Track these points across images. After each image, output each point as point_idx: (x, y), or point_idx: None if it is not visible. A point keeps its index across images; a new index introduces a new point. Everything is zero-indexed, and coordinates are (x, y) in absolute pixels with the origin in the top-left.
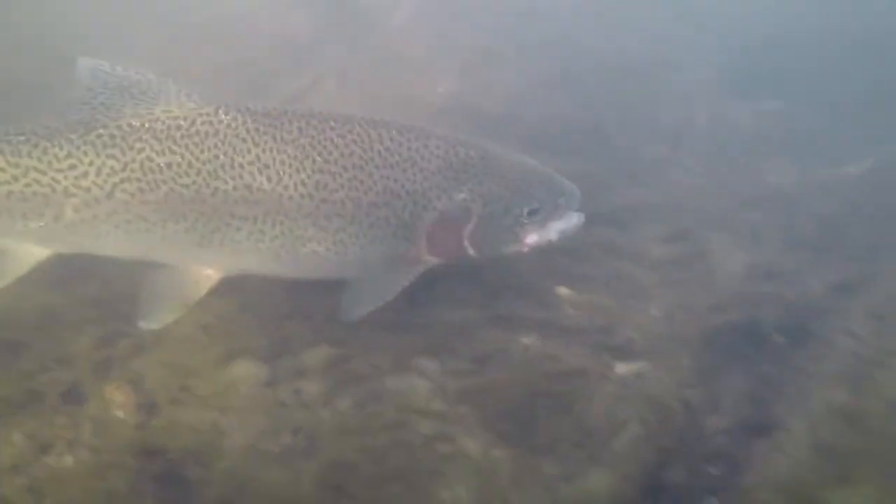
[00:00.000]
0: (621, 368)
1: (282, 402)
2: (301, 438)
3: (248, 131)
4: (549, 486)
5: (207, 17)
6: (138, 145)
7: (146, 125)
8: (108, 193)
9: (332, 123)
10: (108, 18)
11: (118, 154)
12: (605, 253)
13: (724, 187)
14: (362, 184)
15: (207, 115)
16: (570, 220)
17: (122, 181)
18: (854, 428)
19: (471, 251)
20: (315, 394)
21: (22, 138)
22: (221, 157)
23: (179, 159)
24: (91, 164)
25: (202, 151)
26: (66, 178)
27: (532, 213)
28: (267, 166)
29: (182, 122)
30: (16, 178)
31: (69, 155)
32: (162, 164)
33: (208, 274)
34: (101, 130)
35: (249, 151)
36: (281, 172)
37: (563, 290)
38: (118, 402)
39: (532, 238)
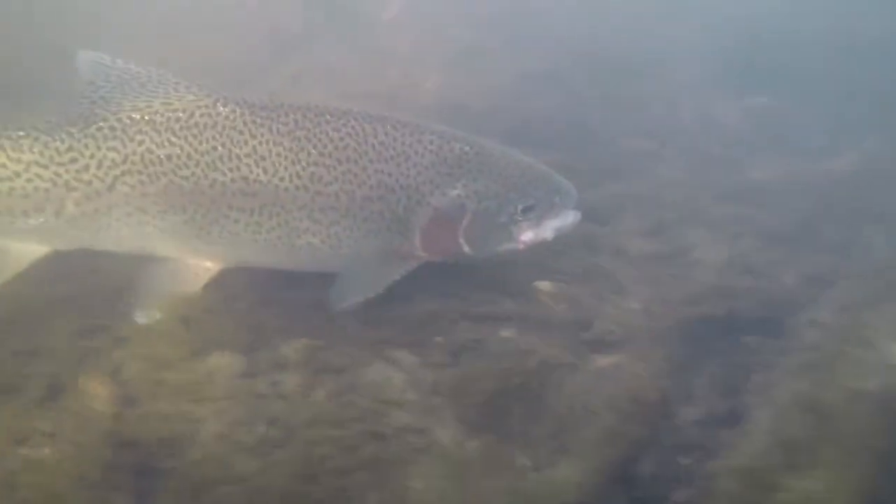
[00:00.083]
0: (596, 360)
1: (258, 394)
2: (276, 429)
3: (245, 123)
4: (519, 475)
5: (195, 10)
6: (138, 138)
7: (146, 118)
8: (109, 186)
9: (328, 117)
10: (98, 10)
11: (119, 146)
12: (584, 247)
13: (706, 182)
14: (356, 177)
15: (206, 107)
16: (566, 218)
17: (122, 174)
18: (814, 416)
19: (466, 248)
20: (292, 385)
21: (22, 133)
22: (219, 148)
23: (178, 151)
24: (92, 157)
25: (200, 143)
26: (67, 171)
27: (527, 210)
28: (263, 158)
29: (181, 115)
30: (17, 175)
31: (70, 148)
32: (161, 156)
33: (207, 266)
34: (101, 123)
35: (246, 143)
36: (277, 164)
37: (541, 284)
38: (96, 394)
39: (527, 235)
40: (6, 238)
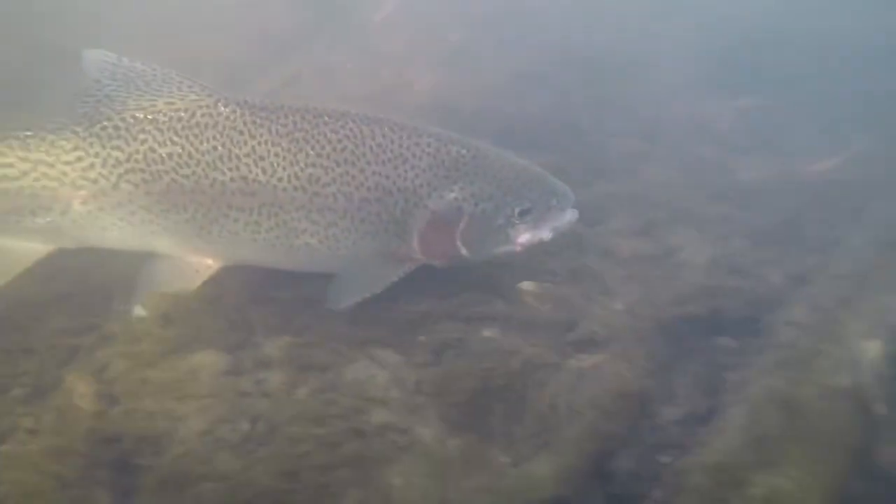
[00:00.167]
0: (579, 360)
1: (241, 391)
2: (258, 426)
3: (245, 124)
4: (498, 472)
5: (192, 10)
6: (141, 136)
7: (149, 117)
8: (114, 184)
9: (326, 118)
10: (97, 10)
11: (122, 145)
12: (573, 248)
13: (695, 183)
14: (354, 179)
15: (207, 107)
16: (563, 219)
17: (126, 172)
18: (786, 413)
19: (463, 251)
20: (275, 383)
21: (28, 133)
22: (219, 148)
23: (180, 150)
24: (97, 155)
25: (201, 143)
26: (73, 170)
27: (524, 213)
28: (262, 158)
29: (183, 114)
30: (25, 174)
31: (76, 147)
32: (163, 155)
33: (208, 263)
34: (105, 122)
35: (246, 143)
36: (275, 165)
37: (526, 284)
38: (79, 391)
39: (524, 238)
40: (13, 237)
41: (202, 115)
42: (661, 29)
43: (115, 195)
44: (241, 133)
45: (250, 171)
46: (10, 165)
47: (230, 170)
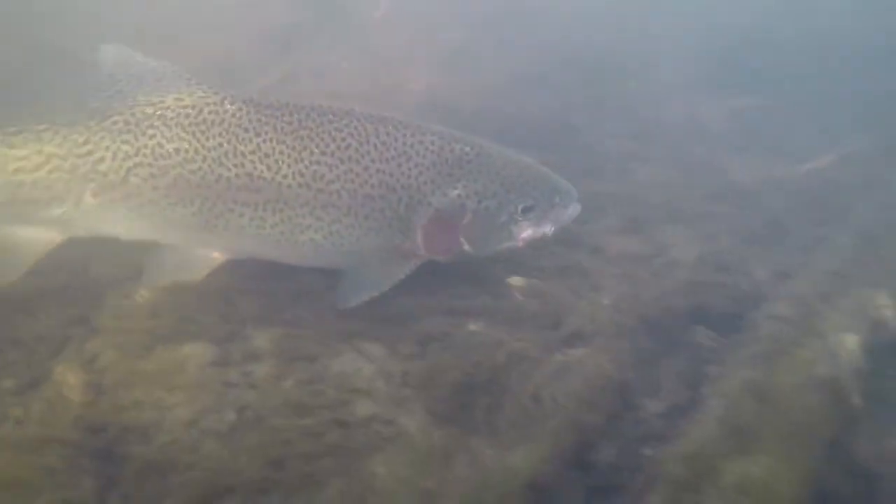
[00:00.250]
0: (563, 354)
1: (229, 382)
2: (244, 416)
3: (250, 121)
4: (479, 463)
5: (189, 9)
6: (150, 132)
7: (157, 113)
8: (123, 178)
9: (331, 116)
10: (96, 9)
11: (132, 140)
12: (563, 245)
13: (687, 183)
14: (358, 176)
15: (214, 104)
16: (566, 215)
17: (135, 166)
18: (762, 404)
19: (466, 247)
20: (263, 374)
21: (43, 126)
22: (225, 145)
23: (187, 146)
24: (107, 149)
25: (208, 139)
26: (84, 163)
27: (527, 210)
28: (267, 155)
29: (190, 111)
30: (40, 166)
31: (87, 141)
32: (171, 150)
33: (214, 256)
34: (116, 117)
35: (251, 141)
36: (280, 162)
37: (514, 280)
38: (68, 382)
39: (527, 234)
40: (30, 226)
41: (209, 112)
42: (661, 30)
43: (124, 188)
44: (247, 130)
45: (255, 168)
46: (26, 158)
47: (235, 166)
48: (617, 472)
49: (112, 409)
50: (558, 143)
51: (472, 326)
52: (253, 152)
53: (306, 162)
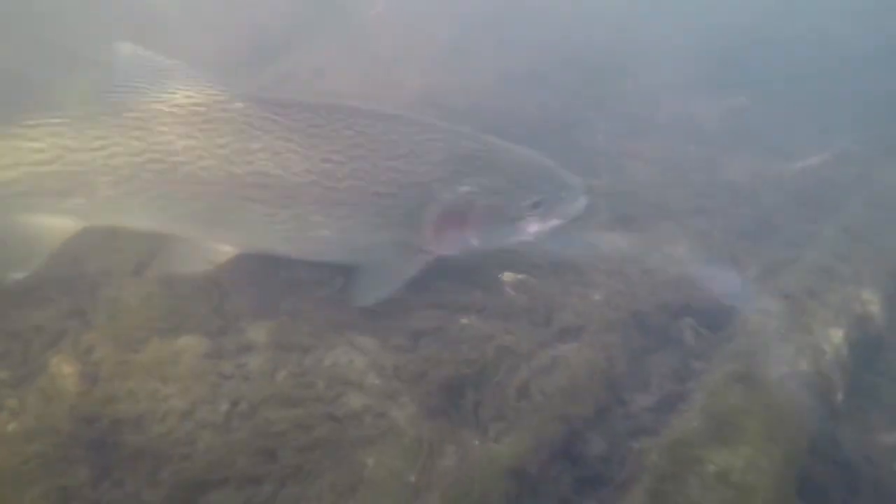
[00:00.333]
0: (553, 348)
1: (223, 374)
2: (238, 408)
3: (260, 120)
4: (466, 454)
5: (185, 7)
6: (162, 129)
7: (169, 110)
8: (135, 172)
9: (340, 114)
10: (91, 8)
11: (144, 136)
12: (555, 241)
13: (682, 180)
14: (367, 173)
15: (224, 102)
16: (574, 208)
17: (147, 161)
18: (746, 397)
19: (475, 242)
20: (256, 366)
21: (59, 120)
22: (235, 143)
23: (197, 143)
24: (119, 144)
25: (218, 137)
26: (98, 156)
27: (535, 205)
28: (277, 153)
29: (201, 109)
30: (57, 158)
31: (102, 136)
32: (182, 147)
33: (224, 250)
34: (129, 114)
35: (260, 139)
36: (290, 160)
37: (507, 276)
38: (64, 373)
39: (534, 228)
40: (49, 215)
41: (219, 111)
42: (660, 29)
43: (136, 182)
44: (256, 128)
45: (265, 165)
46: (43, 151)
47: (245, 163)
48: (605, 465)
49: (107, 400)
50: (555, 142)
51: (464, 321)
52: (263, 150)
53: (316, 160)
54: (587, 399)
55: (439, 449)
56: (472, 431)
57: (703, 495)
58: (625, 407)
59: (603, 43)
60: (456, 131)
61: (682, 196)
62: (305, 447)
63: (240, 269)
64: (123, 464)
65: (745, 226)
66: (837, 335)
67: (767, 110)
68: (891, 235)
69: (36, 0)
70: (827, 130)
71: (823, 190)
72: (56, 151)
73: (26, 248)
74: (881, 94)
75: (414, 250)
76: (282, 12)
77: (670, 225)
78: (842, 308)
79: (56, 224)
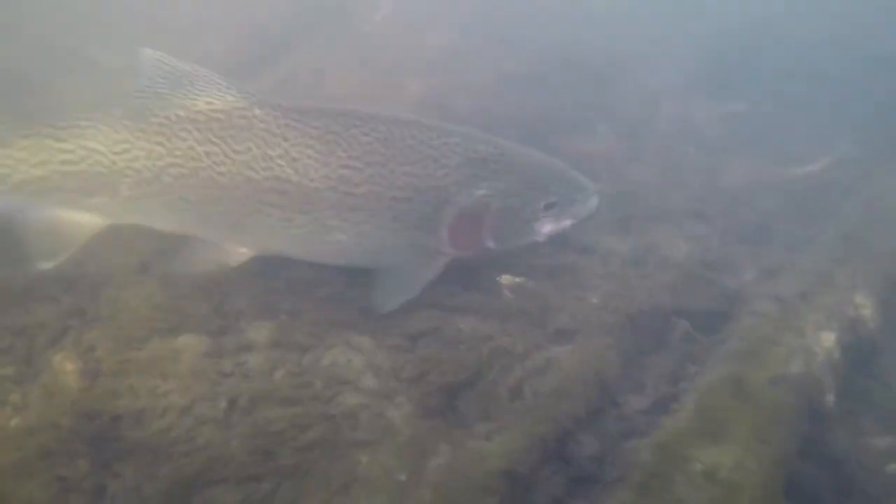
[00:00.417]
0: (549, 349)
1: (223, 372)
2: (236, 405)
3: (278, 126)
4: (459, 453)
5: (187, 8)
6: (182, 134)
7: (190, 116)
8: (156, 175)
9: (357, 121)
10: (92, 8)
11: (165, 141)
12: (553, 244)
13: (679, 183)
14: (385, 179)
15: (243, 109)
16: (585, 209)
17: (167, 165)
18: (736, 398)
19: (489, 244)
20: (255, 365)
21: (87, 123)
22: (254, 149)
23: (217, 149)
24: (142, 148)
25: (237, 143)
26: (121, 159)
27: (549, 206)
28: (295, 160)
29: (221, 116)
30: (82, 159)
31: (125, 140)
32: (202, 153)
33: (241, 251)
34: (152, 119)
35: (279, 145)
36: (307, 166)
37: (505, 278)
38: (66, 370)
39: (548, 228)
40: (76, 211)
41: (238, 117)
42: (661, 32)
43: (157, 185)
44: (275, 135)
45: (283, 171)
46: (70, 151)
47: (264, 169)
48: (598, 465)
49: (107, 396)
50: (554, 144)
51: (461, 322)
52: (281, 156)
53: (334, 166)
54: (580, 400)
55: (433, 448)
56: (465, 431)
57: (689, 493)
58: (619, 408)
59: (604, 45)
60: (471, 135)
61: (680, 199)
62: (302, 445)
63: (241, 270)
64: (123, 458)
65: (744, 230)
66: (829, 338)
67: (769, 113)
68: (886, 240)
69: (37, 0)
70: (828, 134)
71: (822, 194)
72: (82, 153)
73: (55, 240)
74: (883, 96)
75: (431, 253)
76: (283, 14)
77: (668, 228)
78: (835, 312)
79: (83, 220)
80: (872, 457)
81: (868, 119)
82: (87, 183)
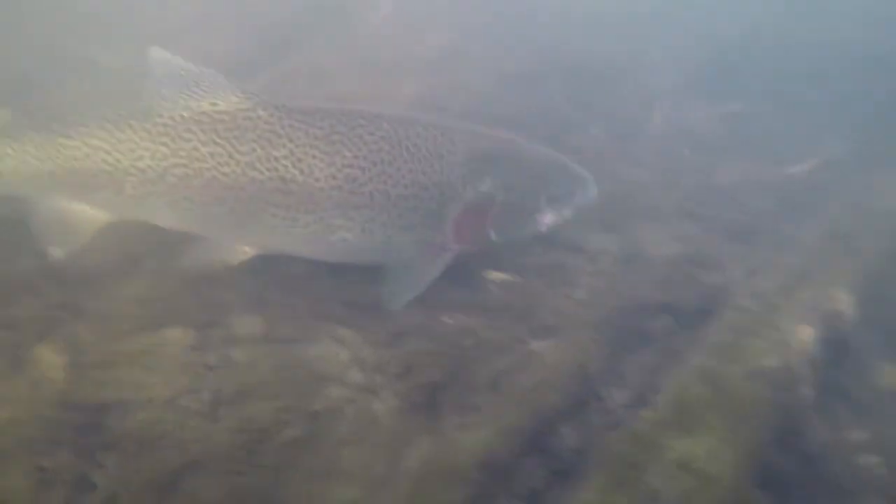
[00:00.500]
0: (532, 344)
1: (207, 365)
2: (220, 398)
3: (283, 127)
4: (439, 446)
5: (185, 7)
6: (187, 135)
7: (194, 117)
8: (160, 175)
9: (361, 121)
10: (91, 8)
11: (169, 142)
12: (542, 243)
13: (670, 183)
14: (391, 177)
15: (247, 110)
16: (584, 200)
17: (171, 166)
18: (711, 390)
19: (493, 237)
20: (240, 358)
21: (93, 122)
22: (258, 150)
23: (221, 150)
24: (146, 149)
25: (241, 144)
26: (126, 158)
27: (551, 199)
28: (300, 160)
29: (225, 117)
30: (88, 156)
31: (130, 139)
32: (206, 154)
33: (245, 250)
34: (157, 119)
35: (284, 146)
36: (313, 166)
37: (492, 275)
38: (52, 362)
39: (549, 220)
40: (85, 205)
41: (243, 119)
42: (659, 33)
43: (161, 185)
44: (280, 136)
45: (288, 172)
46: (77, 148)
47: (268, 170)
48: (580, 458)
49: (92, 388)
50: (550, 144)
51: (447, 318)
52: (286, 157)
53: (339, 165)
54: (561, 393)
55: (416, 440)
56: (447, 423)
57: (663, 483)
58: (602, 402)
59: (605, 46)
60: (474, 131)
61: (670, 198)
62: (285, 437)
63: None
64: (107, 449)
65: (731, 228)
66: (807, 332)
67: (768, 114)
68: (869, 238)
69: (37, 1)
70: (826, 134)
71: (811, 194)
72: (87, 150)
73: (66, 229)
74: (883, 96)
75: (437, 249)
76: (283, 15)
77: (658, 227)
78: (813, 307)
79: (92, 214)
80: (845, 448)
81: (868, 119)
82: (92, 180)
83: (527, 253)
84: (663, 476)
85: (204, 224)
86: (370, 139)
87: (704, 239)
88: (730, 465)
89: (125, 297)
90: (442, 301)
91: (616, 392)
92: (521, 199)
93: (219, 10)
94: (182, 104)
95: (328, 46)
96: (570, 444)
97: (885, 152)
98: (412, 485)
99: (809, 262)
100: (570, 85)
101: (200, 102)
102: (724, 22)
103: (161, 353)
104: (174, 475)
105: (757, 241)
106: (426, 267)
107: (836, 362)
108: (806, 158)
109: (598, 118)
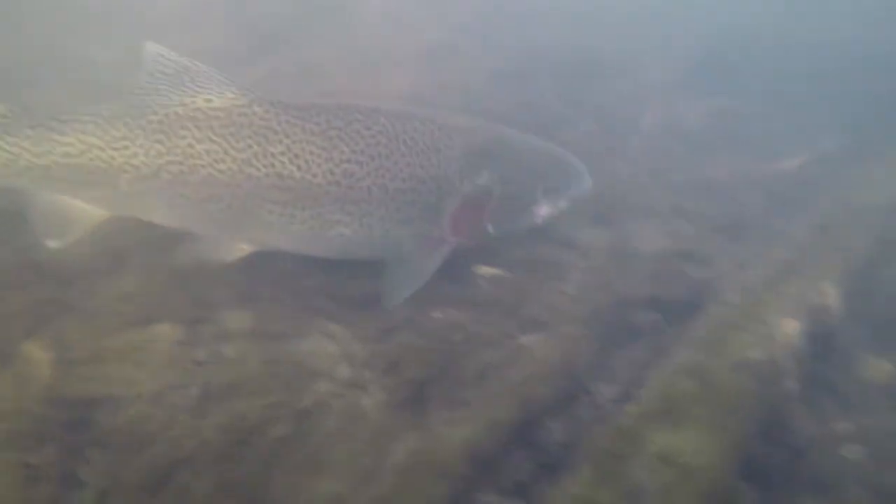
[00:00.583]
0: (521, 338)
1: (196, 360)
2: (208, 393)
3: (279, 123)
4: (427, 439)
5: (177, 3)
6: (182, 132)
7: (189, 114)
8: (155, 172)
9: (358, 116)
10: (83, 4)
11: (164, 139)
12: (533, 238)
13: (662, 179)
14: (388, 171)
15: (243, 107)
16: (579, 192)
17: (167, 163)
18: (695, 384)
19: (491, 230)
20: (229, 353)
21: (88, 118)
22: (255, 147)
23: (217, 147)
24: (141, 146)
25: (237, 141)
26: (121, 155)
27: (547, 191)
28: (297, 156)
29: (220, 114)
30: (83, 153)
31: (124, 136)
32: (201, 151)
33: (241, 247)
34: (152, 116)
35: (280, 142)
36: (310, 162)
37: (482, 270)
38: (39, 358)
39: (545, 212)
40: (81, 201)
41: (238, 115)
42: (660, 32)
43: (156, 182)
44: (276, 132)
45: (285, 168)
46: (71, 144)
47: (265, 167)
48: (567, 452)
49: (80, 384)
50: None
51: (436, 313)
52: (283, 153)
53: (336, 161)
54: (550, 387)
55: (403, 435)
56: (435, 417)
57: (646, 475)
58: (590, 396)
59: (604, 44)
60: (470, 124)
61: (661, 194)
62: (273, 431)
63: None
64: (94, 445)
65: (722, 223)
66: (792, 326)
67: (754, 112)
68: (856, 233)
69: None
70: (811, 133)
71: (801, 190)
72: (81, 146)
73: (62, 222)
74: (879, 94)
75: (434, 242)
76: (275, 10)
77: (648, 222)
78: (799, 300)
79: (89, 209)
80: (830, 440)
81: (867, 119)
82: (87, 176)
83: (517, 247)
84: (646, 469)
85: (201, 221)
86: (367, 134)
87: (694, 234)
88: (714, 458)
89: (113, 292)
90: (432, 296)
91: (604, 387)
92: (518, 192)
93: (208, 6)
94: (177, 100)
95: (320, 42)
96: (558, 438)
97: (880, 150)
98: (398, 479)
99: (797, 256)
100: (563, 81)
101: (196, 99)
102: (724, 21)
103: (149, 349)
104: (163, 471)
105: (746, 236)
106: (424, 261)
107: (822, 355)
108: (799, 154)
109: (592, 114)
